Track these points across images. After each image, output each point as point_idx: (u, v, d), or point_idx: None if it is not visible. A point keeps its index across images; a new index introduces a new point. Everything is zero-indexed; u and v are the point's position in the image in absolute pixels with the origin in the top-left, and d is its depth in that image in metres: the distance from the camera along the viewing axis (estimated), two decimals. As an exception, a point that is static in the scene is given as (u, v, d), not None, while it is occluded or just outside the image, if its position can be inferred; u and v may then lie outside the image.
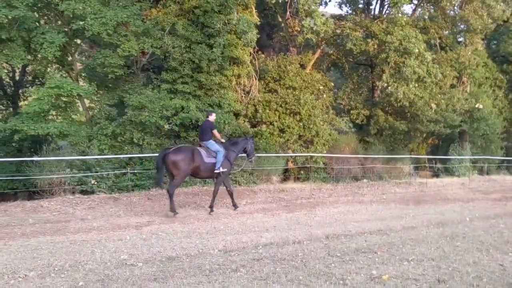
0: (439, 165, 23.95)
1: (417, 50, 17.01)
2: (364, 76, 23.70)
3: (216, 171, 10.46)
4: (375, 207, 12.38)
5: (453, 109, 20.81)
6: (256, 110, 17.50)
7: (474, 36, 20.80)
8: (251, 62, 16.64)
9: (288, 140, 17.83)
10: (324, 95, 20.21)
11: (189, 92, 14.52)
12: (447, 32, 23.99)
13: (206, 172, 10.51)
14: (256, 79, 16.71)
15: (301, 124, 17.85)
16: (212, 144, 10.52)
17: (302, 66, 19.80)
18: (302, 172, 18.85)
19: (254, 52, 17.04)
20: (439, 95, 19.82)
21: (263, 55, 19.04)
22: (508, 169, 25.27)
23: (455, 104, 20.63)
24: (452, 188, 17.93)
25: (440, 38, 23.16)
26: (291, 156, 18.20)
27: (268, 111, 17.41)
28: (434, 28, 20.64)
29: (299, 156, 17.99)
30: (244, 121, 17.19)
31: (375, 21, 19.19)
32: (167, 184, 11.09)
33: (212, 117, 11.03)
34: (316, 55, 20.11)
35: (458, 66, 21.13)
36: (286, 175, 18.88)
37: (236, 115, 17.39)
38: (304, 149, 18.39)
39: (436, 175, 23.44)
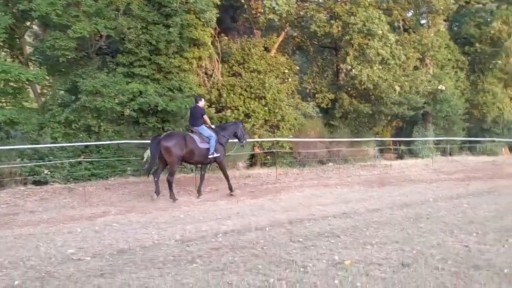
0: (403, 147, 24.22)
1: (380, 32, 16.89)
2: (329, 60, 23.50)
3: (210, 157, 10.48)
4: (340, 190, 12.25)
5: (416, 91, 20.91)
6: (220, 95, 17.05)
7: (436, 17, 20.88)
8: (213, 44, 16.09)
9: (253, 125, 17.48)
10: (290, 79, 19.92)
11: (147, 76, 13.86)
12: (410, 14, 24.07)
13: (200, 157, 10.46)
14: (218, 62, 16.18)
15: (266, 108, 17.52)
16: (204, 130, 10.52)
17: (267, 49, 19.40)
18: (268, 157, 18.60)
19: (215, 34, 16.46)
20: (403, 77, 19.83)
21: (226, 37, 18.50)
22: (470, 149, 25.80)
23: (418, 86, 20.72)
24: (416, 170, 18.06)
25: (403, 20, 23.20)
26: (257, 142, 17.88)
27: (232, 95, 16.98)
28: (397, 9, 20.58)
29: (265, 141, 17.69)
30: (208, 106, 16.70)
31: (339, 3, 18.92)
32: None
33: (202, 103, 10.93)
34: (281, 38, 19.72)
35: (421, 48, 21.21)
36: (252, 160, 18.59)
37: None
38: (270, 134, 18.13)
39: (400, 157, 23.68)
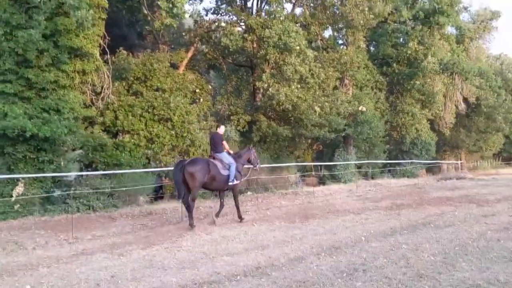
0: (325, 172, 22.97)
1: (298, 47, 15.40)
2: (245, 79, 21.80)
3: (230, 183, 10.53)
4: (257, 229, 10.14)
5: (337, 112, 19.74)
6: (116, 117, 14.43)
7: (356, 33, 20.00)
8: (102, 56, 13.50)
9: (157, 152, 15.05)
10: (201, 99, 17.82)
11: (13, 94, 10.94)
12: (328, 34, 23.29)
13: (220, 184, 10.50)
14: (108, 76, 13.53)
15: (173, 132, 15.21)
16: (226, 157, 10.59)
17: (174, 66, 17.19)
18: (179, 188, 16.14)
19: (104, 43, 13.75)
20: (323, 98, 18.56)
21: (124, 52, 16.01)
22: (391, 172, 25.24)
23: (339, 107, 19.57)
24: (341, 197, 16.63)
25: (321, 40, 22.27)
26: (162, 171, 15.41)
27: (131, 117, 14.47)
28: (315, 24, 19.37)
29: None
30: (100, 131, 14.01)
31: (253, 16, 17.27)
32: None
33: (221, 130, 11.12)
34: (190, 54, 17.64)
35: (340, 67, 20.16)
36: (160, 193, 16.09)
37: (92, 123, 14.21)
38: (178, 161, 15.80)
39: (322, 182, 22.39)
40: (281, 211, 12.97)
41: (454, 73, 24.16)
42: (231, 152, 11.07)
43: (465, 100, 27.83)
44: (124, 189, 13.41)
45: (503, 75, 32.35)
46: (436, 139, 28.27)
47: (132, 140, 14.35)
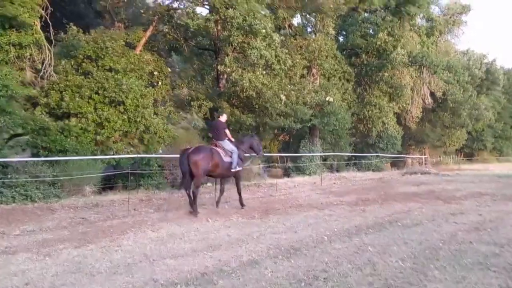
0: (290, 164, 22.26)
1: (264, 30, 14.42)
2: (208, 64, 20.64)
3: (232, 170, 10.74)
4: (211, 225, 9.22)
5: (303, 102, 18.93)
6: (61, 98, 13.08)
7: (325, 19, 19.16)
8: (44, 29, 12.10)
9: (108, 137, 13.82)
10: (160, 83, 16.61)
11: None
12: (297, 22, 22.41)
13: (223, 171, 10.66)
14: (50, 51, 12.13)
15: (125, 117, 13.98)
16: (228, 144, 10.78)
17: (131, 46, 15.88)
18: (132, 177, 14.99)
19: (47, 15, 12.32)
20: (289, 86, 17.69)
21: (75, 27, 14.59)
22: (356, 165, 24.79)
23: (305, 96, 18.79)
24: (304, 190, 15.94)
25: (290, 26, 21.37)
26: (113, 159, 14.20)
27: (78, 99, 13.14)
28: (282, 8, 18.34)
29: (125, 157, 14.11)
30: (43, 113, 12.65)
31: (218, -5, 16.12)
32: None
33: (224, 118, 11.39)
34: (148, 33, 16.35)
35: (308, 55, 19.32)
36: (111, 182, 14.87)
37: (35, 104, 12.84)
38: (132, 148, 14.65)
39: (287, 174, 21.69)
40: (240, 205, 12.10)
41: (422, 66, 23.83)
42: (233, 140, 11.14)
43: (432, 94, 27.67)
44: (69, 178, 12.20)
45: (470, 71, 32.44)
46: (402, 133, 28.05)
47: (80, 124, 13.08)
